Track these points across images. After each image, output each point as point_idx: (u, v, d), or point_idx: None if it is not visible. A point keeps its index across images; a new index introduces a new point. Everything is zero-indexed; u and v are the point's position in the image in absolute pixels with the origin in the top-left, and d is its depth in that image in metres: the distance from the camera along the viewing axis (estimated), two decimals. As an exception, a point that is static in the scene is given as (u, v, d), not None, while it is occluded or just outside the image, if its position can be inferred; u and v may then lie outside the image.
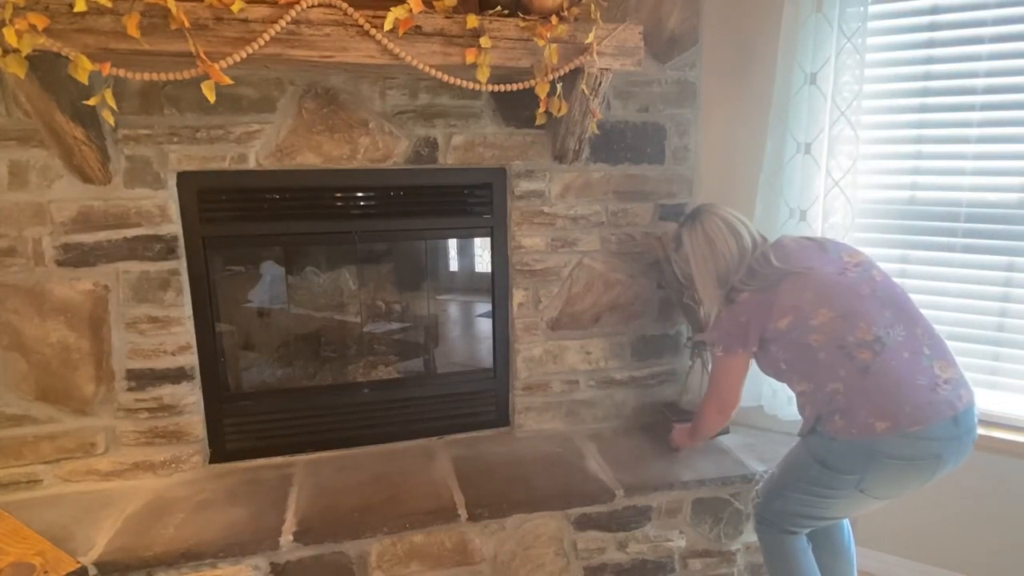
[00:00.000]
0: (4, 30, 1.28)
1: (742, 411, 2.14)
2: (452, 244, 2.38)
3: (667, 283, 2.18)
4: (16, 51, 1.31)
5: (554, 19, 1.63)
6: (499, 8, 1.67)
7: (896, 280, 1.53)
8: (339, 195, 1.96)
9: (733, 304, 1.62)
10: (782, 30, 1.87)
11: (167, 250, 1.80)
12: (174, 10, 1.37)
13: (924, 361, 1.43)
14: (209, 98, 1.44)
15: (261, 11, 1.45)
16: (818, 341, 1.48)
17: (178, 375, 1.87)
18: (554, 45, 1.64)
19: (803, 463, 1.54)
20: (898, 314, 1.47)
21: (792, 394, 1.99)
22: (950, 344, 1.50)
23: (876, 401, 1.40)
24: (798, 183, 1.93)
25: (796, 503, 1.56)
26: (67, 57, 1.35)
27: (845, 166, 1.86)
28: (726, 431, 2.15)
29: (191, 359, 1.88)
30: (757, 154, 2.02)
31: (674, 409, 2.19)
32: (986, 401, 1.88)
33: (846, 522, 1.73)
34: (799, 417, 1.61)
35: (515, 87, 1.70)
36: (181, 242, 1.82)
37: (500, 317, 2.16)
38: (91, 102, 1.46)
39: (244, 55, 1.44)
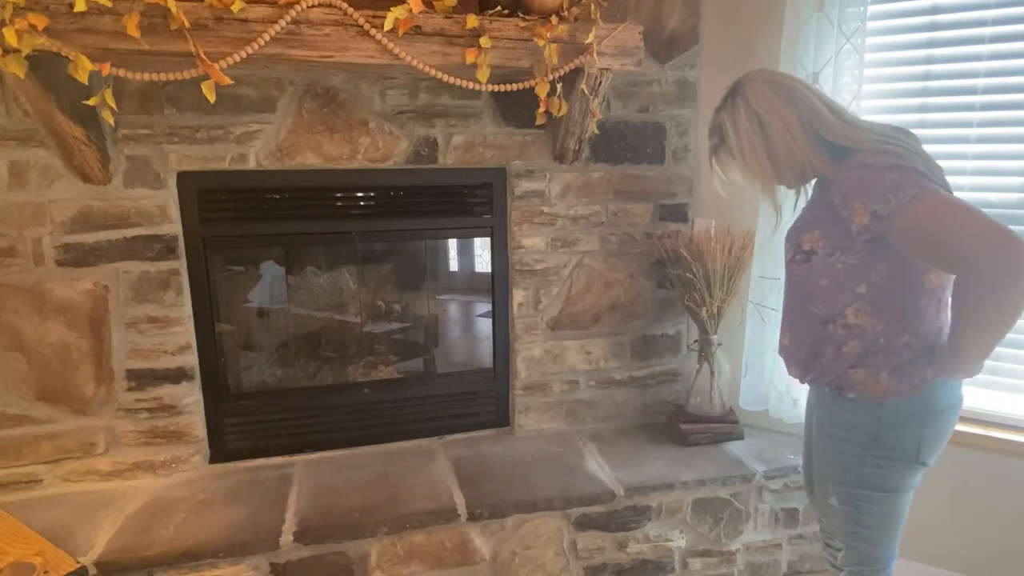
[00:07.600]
0: (4, 30, 1.28)
1: (743, 412, 2.15)
2: (452, 244, 2.38)
3: (671, 283, 2.18)
4: (16, 51, 1.31)
5: (554, 19, 1.63)
6: (499, 8, 1.67)
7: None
8: (339, 195, 1.96)
9: (894, 152, 1.23)
10: (784, 29, 1.86)
11: (167, 250, 1.80)
12: (174, 10, 1.37)
13: None
14: (209, 98, 1.44)
15: (261, 11, 1.45)
16: (932, 283, 1.29)
17: (178, 375, 1.87)
18: (554, 45, 1.64)
19: (855, 479, 1.38)
20: None
21: (796, 397, 1.98)
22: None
23: (935, 355, 1.32)
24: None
25: (879, 532, 1.41)
26: (67, 57, 1.36)
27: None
28: (740, 436, 2.13)
29: (191, 359, 1.88)
30: (757, 154, 2.02)
31: (682, 412, 2.18)
32: (986, 401, 1.88)
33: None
34: (803, 419, 1.54)
35: (515, 87, 1.70)
36: (181, 242, 1.82)
37: (500, 317, 2.16)
38: (91, 102, 1.46)
39: (244, 55, 1.45)
